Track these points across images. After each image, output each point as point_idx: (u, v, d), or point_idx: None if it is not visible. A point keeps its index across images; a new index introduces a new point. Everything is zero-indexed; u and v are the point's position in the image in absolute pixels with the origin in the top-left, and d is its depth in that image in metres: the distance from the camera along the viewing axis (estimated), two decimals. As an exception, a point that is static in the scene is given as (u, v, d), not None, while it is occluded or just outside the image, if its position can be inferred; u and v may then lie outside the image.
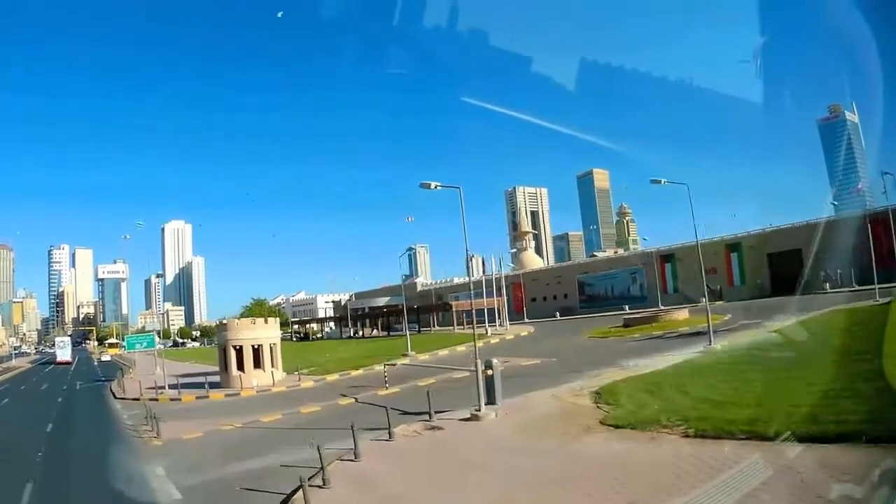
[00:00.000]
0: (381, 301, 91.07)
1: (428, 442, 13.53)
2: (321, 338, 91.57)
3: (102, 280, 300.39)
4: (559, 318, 62.69)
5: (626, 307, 57.10)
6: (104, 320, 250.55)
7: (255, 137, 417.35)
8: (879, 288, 31.79)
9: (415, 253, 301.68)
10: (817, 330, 22.22)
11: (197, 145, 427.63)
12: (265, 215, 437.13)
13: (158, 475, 13.42)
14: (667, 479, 8.90)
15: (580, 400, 16.66)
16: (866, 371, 12.14)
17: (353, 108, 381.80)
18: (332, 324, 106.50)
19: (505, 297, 54.29)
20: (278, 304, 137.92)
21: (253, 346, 30.60)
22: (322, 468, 10.64)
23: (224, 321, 36.09)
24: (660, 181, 25.58)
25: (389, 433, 13.71)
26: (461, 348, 37.80)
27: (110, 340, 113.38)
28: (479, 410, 15.29)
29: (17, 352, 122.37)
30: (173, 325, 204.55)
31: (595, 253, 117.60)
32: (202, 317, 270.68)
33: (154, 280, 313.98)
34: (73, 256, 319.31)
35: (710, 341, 23.66)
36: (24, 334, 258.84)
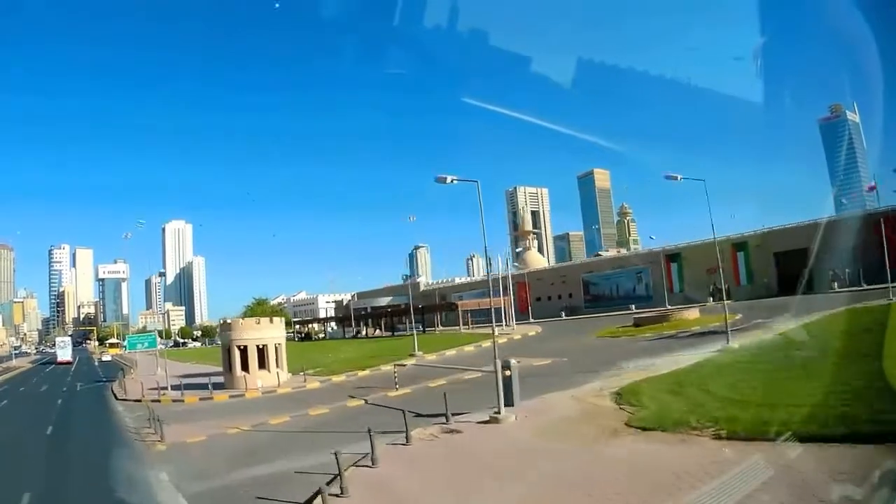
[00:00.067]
0: (384, 301, 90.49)
1: (447, 446, 12.89)
2: (323, 338, 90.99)
3: (103, 280, 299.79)
4: (564, 317, 62.09)
5: (633, 307, 56.52)
6: (105, 320, 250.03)
7: (255, 137, 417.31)
8: (894, 287, 31.13)
9: (415, 253, 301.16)
10: (836, 328, 21.61)
11: (197, 145, 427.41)
12: (265, 215, 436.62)
13: (163, 482, 12.83)
14: (702, 482, 8.53)
15: (601, 401, 16.18)
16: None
17: (353, 108, 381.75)
18: (333, 324, 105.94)
19: (511, 297, 53.58)
20: (279, 303, 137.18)
21: (258, 347, 29.94)
22: (340, 475, 9.99)
23: (228, 321, 35.41)
24: (676, 177, 24.86)
25: (407, 437, 13.07)
26: (469, 348, 37.18)
27: (111, 340, 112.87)
28: (499, 413, 14.65)
29: (17, 352, 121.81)
30: (174, 325, 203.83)
31: (600, 252, 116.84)
32: (203, 317, 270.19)
33: (155, 280, 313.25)
34: (73, 256, 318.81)
35: (728, 340, 23.04)
36: (25, 334, 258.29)
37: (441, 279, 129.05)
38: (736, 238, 59.61)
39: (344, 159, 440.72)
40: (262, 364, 29.88)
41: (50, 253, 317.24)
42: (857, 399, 10.69)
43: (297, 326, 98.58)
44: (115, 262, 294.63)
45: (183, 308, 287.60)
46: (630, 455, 10.72)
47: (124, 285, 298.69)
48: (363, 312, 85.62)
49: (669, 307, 48.96)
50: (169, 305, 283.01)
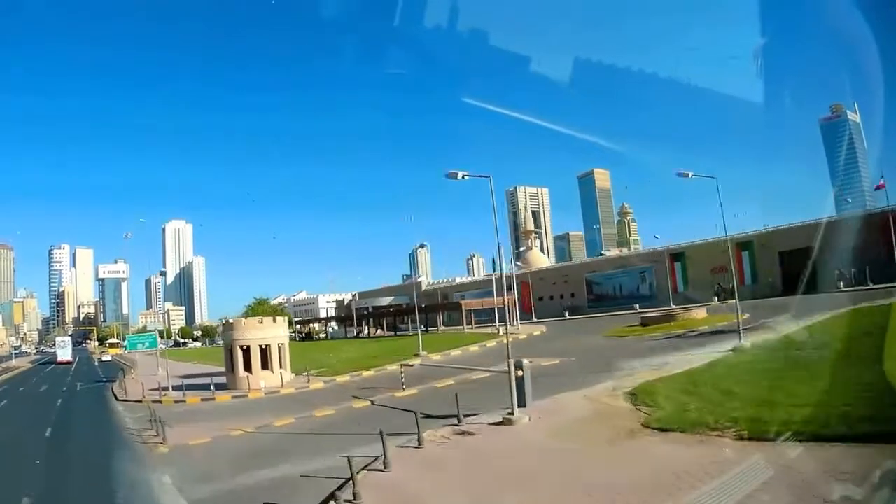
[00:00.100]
0: (386, 300, 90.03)
1: (460, 449, 12.45)
2: (325, 337, 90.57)
3: (103, 280, 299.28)
4: (568, 317, 61.61)
5: (637, 306, 56.14)
6: (105, 320, 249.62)
7: (255, 137, 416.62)
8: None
9: (416, 253, 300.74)
10: (849, 327, 21.19)
11: (197, 145, 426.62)
12: (265, 215, 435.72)
13: (166, 485, 12.38)
14: (726, 484, 8.32)
15: (615, 401, 15.84)
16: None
17: (353, 108, 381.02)
18: (334, 324, 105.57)
19: (516, 296, 53.12)
20: (280, 303, 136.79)
21: (261, 346, 29.46)
22: (353, 480, 9.53)
23: (231, 320, 34.96)
24: (687, 174, 24.50)
25: (419, 439, 12.62)
26: (474, 348, 36.77)
27: (111, 340, 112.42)
28: (512, 414, 14.21)
29: (16, 352, 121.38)
30: (174, 324, 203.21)
31: (603, 252, 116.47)
32: (203, 317, 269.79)
33: (155, 280, 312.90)
34: (73, 256, 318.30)
35: (740, 339, 22.61)
36: (25, 334, 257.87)
37: (441, 279, 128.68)
38: (741, 237, 59.24)
39: (344, 159, 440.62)
40: (265, 364, 29.43)
41: (50, 253, 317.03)
42: (883, 397, 10.24)
43: (298, 326, 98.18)
44: (116, 262, 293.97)
45: (183, 308, 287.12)
46: (650, 457, 10.37)
47: (124, 285, 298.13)
48: (365, 312, 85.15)
49: (674, 307, 48.54)
50: (169, 305, 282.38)
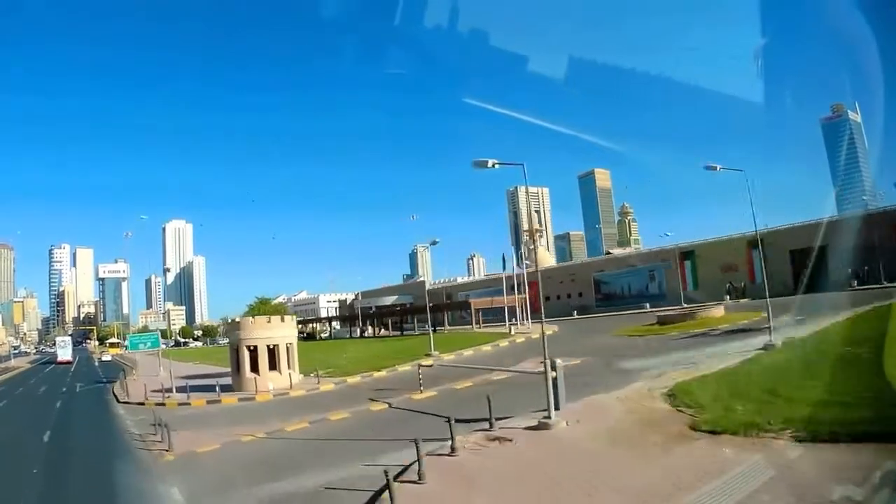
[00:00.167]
0: (389, 300, 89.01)
1: (499, 457, 11.33)
2: (327, 337, 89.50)
3: (103, 279, 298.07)
4: (576, 316, 60.57)
5: (647, 306, 55.20)
6: (105, 320, 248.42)
7: (255, 137, 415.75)
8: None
9: (416, 252, 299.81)
10: (880, 324, 20.21)
11: (197, 145, 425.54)
12: (265, 215, 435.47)
13: (175, 500, 11.25)
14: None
15: (653, 403, 14.95)
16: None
17: (353, 108, 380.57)
18: (336, 323, 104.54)
19: (526, 296, 52.05)
20: (280, 303, 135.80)
21: (268, 346, 28.33)
22: (391, 494, 8.41)
23: (237, 319, 33.81)
24: (715, 167, 23.67)
25: (452, 447, 11.50)
26: (486, 348, 35.69)
27: (111, 340, 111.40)
28: (549, 418, 13.11)
29: (16, 351, 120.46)
30: (174, 324, 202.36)
31: (610, 251, 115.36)
32: (203, 316, 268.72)
33: (155, 279, 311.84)
34: (73, 256, 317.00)
35: (771, 337, 21.68)
36: (25, 334, 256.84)
37: (442, 279, 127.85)
38: (751, 235, 58.26)
39: (344, 159, 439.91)
40: (273, 365, 28.29)
41: (50, 253, 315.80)
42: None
43: (300, 326, 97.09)
44: (116, 261, 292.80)
45: (183, 308, 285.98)
46: (711, 463, 9.50)
47: (124, 285, 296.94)
48: (370, 311, 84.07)
49: (691, 305, 47.52)
50: (169, 305, 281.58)
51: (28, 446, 17.74)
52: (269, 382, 26.79)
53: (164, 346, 48.18)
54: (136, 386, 32.38)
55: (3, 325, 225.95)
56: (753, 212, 24.79)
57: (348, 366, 32.63)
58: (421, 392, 20.92)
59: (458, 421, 14.44)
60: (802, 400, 11.63)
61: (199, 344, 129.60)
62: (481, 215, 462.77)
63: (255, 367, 28.17)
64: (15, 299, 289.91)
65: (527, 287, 53.10)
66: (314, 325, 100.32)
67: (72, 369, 66.46)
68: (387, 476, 8.55)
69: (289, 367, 28.53)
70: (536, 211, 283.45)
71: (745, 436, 10.56)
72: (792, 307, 27.31)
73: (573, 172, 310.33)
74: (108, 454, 15.87)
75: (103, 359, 79.07)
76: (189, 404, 25.67)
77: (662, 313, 39.27)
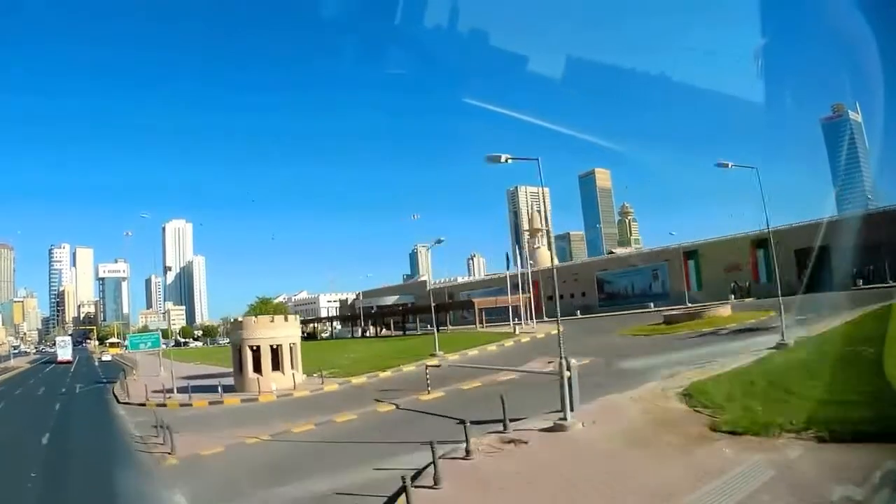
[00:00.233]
0: (391, 299, 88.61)
1: (516, 460, 10.93)
2: (328, 337, 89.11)
3: (103, 279, 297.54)
4: (580, 316, 60.19)
5: (651, 305, 54.83)
6: (105, 319, 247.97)
7: (255, 137, 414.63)
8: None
9: (416, 252, 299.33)
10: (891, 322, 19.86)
11: (197, 145, 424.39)
12: (265, 215, 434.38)
13: (180, 505, 10.84)
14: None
15: (668, 403, 14.63)
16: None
17: (353, 108, 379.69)
18: (337, 323, 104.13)
19: (531, 295, 51.63)
20: (281, 303, 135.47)
21: (271, 346, 27.89)
22: (407, 499, 8.00)
23: (240, 319, 33.37)
24: (727, 164, 23.37)
25: (467, 450, 11.09)
26: (491, 347, 35.31)
27: (111, 340, 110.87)
28: (565, 419, 12.71)
29: (16, 351, 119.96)
30: (174, 324, 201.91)
31: (613, 250, 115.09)
32: (203, 316, 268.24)
33: (155, 279, 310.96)
34: (73, 256, 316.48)
35: (783, 336, 21.34)
36: (25, 334, 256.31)
37: (442, 278, 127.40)
38: (756, 235, 58.01)
39: (344, 159, 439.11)
40: (276, 365, 27.86)
41: (50, 252, 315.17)
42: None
43: (301, 325, 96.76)
44: (116, 261, 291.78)
45: (183, 307, 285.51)
46: (737, 465, 9.15)
47: (124, 285, 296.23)
48: (371, 311, 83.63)
49: (697, 304, 47.20)
50: (169, 305, 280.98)
51: (26, 449, 17.31)
52: (273, 383, 26.35)
53: (164, 346, 47.73)
54: (136, 386, 31.93)
55: (3, 324, 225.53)
56: (766, 211, 24.41)
57: (351, 366, 32.21)
58: (428, 392, 20.52)
59: (471, 422, 14.18)
60: (822, 399, 11.34)
61: (200, 344, 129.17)
62: (481, 215, 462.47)
63: (257, 368, 27.74)
64: (15, 299, 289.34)
65: (531, 286, 52.64)
66: (315, 324, 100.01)
67: (72, 369, 66.01)
68: (404, 481, 8.16)
69: (292, 368, 28.10)
70: (538, 210, 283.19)
71: (765, 436, 10.27)
72: (799, 306, 27.07)
73: (573, 172, 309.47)
74: (108, 457, 15.45)
75: (103, 359, 78.60)
76: (191, 405, 25.23)
77: (669, 312, 38.93)
